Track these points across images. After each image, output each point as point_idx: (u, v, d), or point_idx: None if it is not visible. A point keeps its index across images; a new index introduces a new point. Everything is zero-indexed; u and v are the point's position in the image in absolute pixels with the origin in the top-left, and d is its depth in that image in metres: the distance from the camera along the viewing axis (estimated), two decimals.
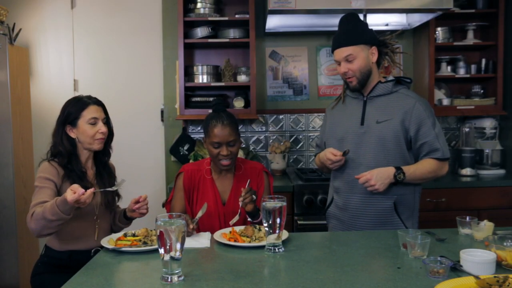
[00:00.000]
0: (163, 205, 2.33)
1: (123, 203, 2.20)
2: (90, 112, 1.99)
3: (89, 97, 2.05)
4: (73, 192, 1.65)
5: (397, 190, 2.02)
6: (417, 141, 2.03)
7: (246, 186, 1.99)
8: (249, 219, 2.04)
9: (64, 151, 1.97)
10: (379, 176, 1.92)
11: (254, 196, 1.96)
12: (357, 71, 2.03)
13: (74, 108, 2.00)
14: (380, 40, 2.09)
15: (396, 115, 2.02)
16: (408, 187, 2.04)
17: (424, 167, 2.01)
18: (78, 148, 2.01)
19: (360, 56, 2.02)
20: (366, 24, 2.10)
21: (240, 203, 1.93)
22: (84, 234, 1.97)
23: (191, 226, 1.85)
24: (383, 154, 2.01)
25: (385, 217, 2.03)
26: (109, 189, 1.97)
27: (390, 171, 1.95)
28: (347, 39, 2.03)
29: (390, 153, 2.02)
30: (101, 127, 1.99)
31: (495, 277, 1.25)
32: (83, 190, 1.66)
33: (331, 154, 2.02)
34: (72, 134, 2.00)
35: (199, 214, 1.94)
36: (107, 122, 2.06)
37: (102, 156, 2.09)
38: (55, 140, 2.00)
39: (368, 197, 2.03)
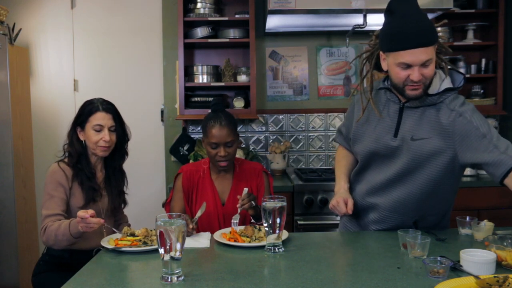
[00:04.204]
0: (163, 205, 2.33)
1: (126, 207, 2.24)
2: (97, 118, 1.98)
3: (102, 102, 2.02)
4: (81, 217, 1.71)
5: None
6: (476, 163, 1.61)
7: (244, 193, 1.97)
8: (252, 221, 2.04)
9: (73, 152, 2.00)
10: None
11: (253, 202, 1.95)
12: (429, 78, 1.62)
13: (84, 111, 2.01)
14: None
15: (433, 134, 1.67)
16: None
17: None
18: (88, 150, 2.03)
19: (434, 59, 1.60)
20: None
21: (239, 210, 1.93)
22: (87, 235, 1.96)
23: (190, 226, 1.85)
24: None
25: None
26: (115, 230, 1.87)
27: None
28: (427, 37, 1.55)
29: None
30: (105, 136, 1.98)
31: (495, 277, 1.25)
32: (93, 212, 1.73)
33: (344, 204, 1.78)
34: (81, 137, 2.02)
35: (198, 213, 1.94)
36: (117, 130, 2.04)
37: (111, 161, 2.09)
38: (68, 140, 2.04)
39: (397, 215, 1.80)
